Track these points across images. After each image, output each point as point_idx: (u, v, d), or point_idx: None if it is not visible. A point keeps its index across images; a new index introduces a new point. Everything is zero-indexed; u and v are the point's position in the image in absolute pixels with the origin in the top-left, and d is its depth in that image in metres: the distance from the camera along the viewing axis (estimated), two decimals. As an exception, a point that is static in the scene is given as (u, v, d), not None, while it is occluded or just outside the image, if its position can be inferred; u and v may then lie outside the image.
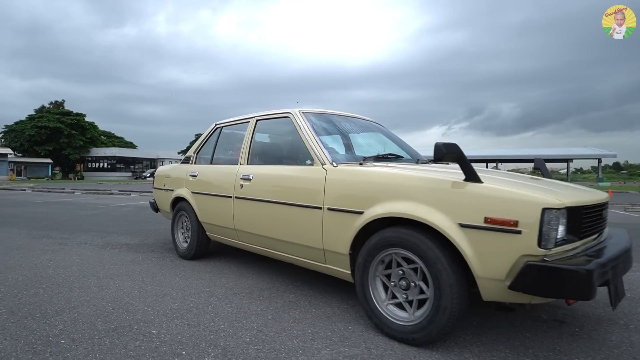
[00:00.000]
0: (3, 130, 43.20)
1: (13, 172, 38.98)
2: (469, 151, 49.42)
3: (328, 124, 2.80)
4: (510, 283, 1.52)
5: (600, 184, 31.68)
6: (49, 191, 15.40)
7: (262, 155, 2.97)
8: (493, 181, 1.69)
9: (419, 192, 1.80)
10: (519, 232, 1.49)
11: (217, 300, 2.43)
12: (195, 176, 3.42)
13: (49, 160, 42.17)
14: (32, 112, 44.72)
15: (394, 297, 1.94)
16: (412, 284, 1.84)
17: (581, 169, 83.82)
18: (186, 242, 3.58)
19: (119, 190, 15.53)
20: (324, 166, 2.29)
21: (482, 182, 1.65)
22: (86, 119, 46.47)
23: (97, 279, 2.84)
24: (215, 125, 3.55)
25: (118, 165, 47.10)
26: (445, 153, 1.64)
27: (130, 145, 60.67)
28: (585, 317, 2.22)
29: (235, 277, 2.96)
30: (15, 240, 4.47)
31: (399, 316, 1.88)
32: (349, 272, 2.13)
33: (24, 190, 16.18)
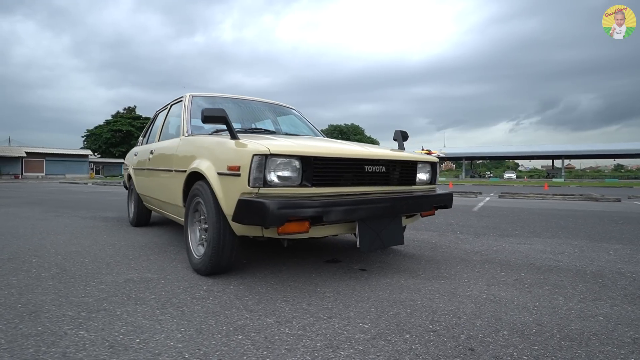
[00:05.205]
0: (85, 134, 49.10)
1: (93, 171, 44.29)
2: (533, 147, 45.88)
3: (213, 105, 3.26)
4: (232, 216, 1.88)
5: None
6: (104, 184, 17.58)
7: (170, 133, 3.51)
8: (246, 138, 2.05)
9: (206, 152, 2.22)
10: (239, 175, 1.86)
11: (125, 248, 3.00)
12: (136, 155, 4.08)
13: (122, 160, 47.16)
14: (110, 118, 50.21)
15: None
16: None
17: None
18: (133, 212, 4.25)
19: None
20: (181, 137, 2.77)
21: (238, 139, 2.02)
22: (153, 122, 51.05)
23: (66, 236, 3.58)
24: (156, 112, 4.17)
25: (180, 165, 51.09)
26: (206, 116, 2.04)
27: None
28: (390, 270, 2.44)
29: (151, 237, 3.54)
30: (29, 213, 5.52)
31: (201, 252, 2.30)
32: (187, 221, 2.59)
33: (86, 183, 18.59)
